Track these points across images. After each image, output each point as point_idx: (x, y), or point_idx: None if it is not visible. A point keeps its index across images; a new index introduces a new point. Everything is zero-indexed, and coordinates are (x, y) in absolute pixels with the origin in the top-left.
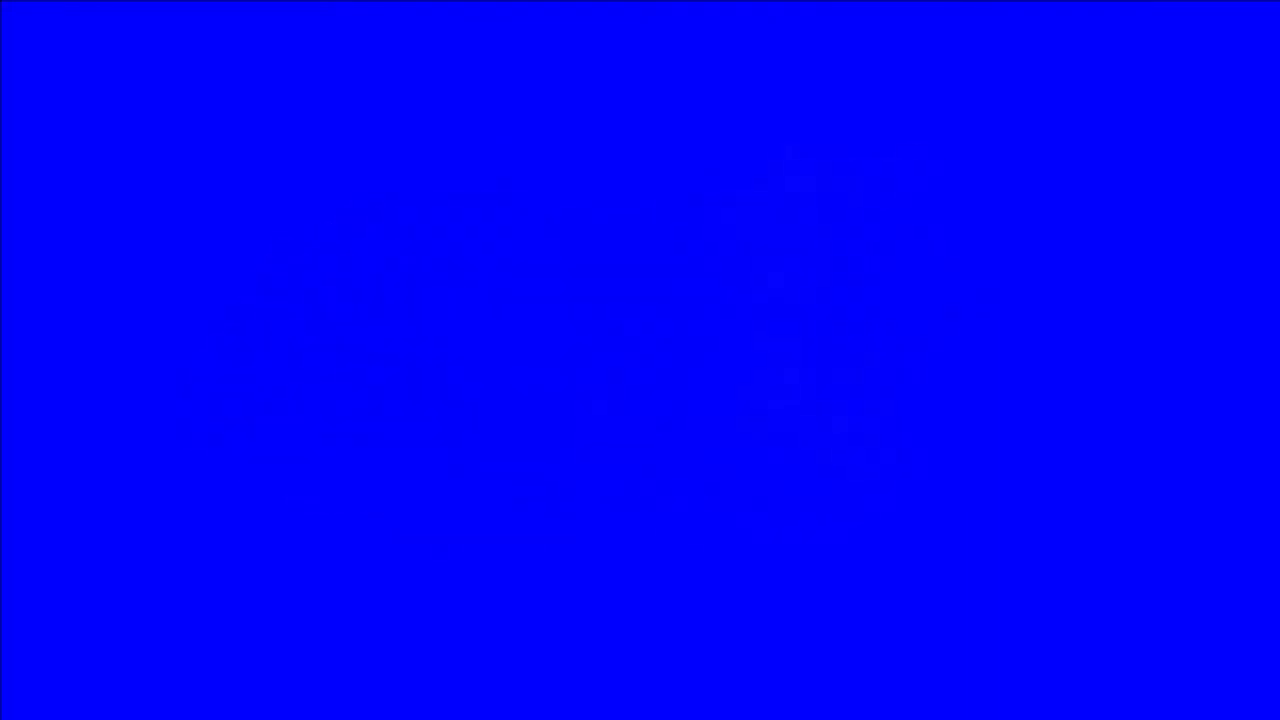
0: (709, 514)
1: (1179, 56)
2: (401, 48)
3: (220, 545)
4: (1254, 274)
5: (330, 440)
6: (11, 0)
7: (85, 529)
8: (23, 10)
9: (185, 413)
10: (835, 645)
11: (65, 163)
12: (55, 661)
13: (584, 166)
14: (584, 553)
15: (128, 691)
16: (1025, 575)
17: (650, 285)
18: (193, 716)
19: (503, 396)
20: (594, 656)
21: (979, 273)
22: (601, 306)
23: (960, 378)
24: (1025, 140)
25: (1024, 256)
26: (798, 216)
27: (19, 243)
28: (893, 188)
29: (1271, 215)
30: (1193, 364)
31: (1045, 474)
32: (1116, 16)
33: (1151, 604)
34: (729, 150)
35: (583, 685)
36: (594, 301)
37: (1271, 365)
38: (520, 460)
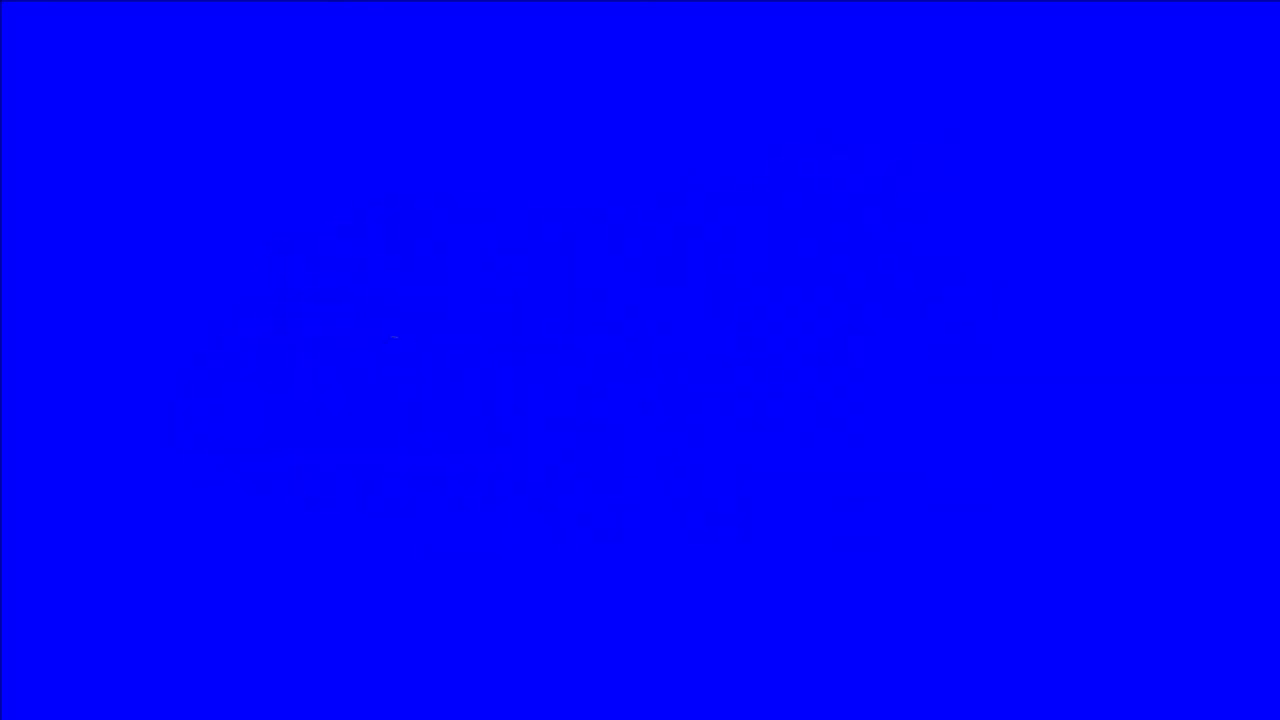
0: (708, 515)
1: (1179, 56)
2: (401, 49)
3: (219, 546)
4: (1254, 274)
5: (329, 441)
6: (12, 0)
7: (85, 529)
8: (23, 10)
9: (184, 413)
10: (834, 646)
11: (65, 163)
12: (55, 661)
13: (585, 168)
14: (585, 552)
15: (128, 691)
16: (1025, 575)
17: (650, 285)
18: (193, 716)
19: (501, 395)
20: (593, 656)
21: (980, 273)
22: (602, 306)
23: (960, 377)
24: (1025, 141)
25: (1024, 257)
26: (798, 217)
27: (19, 243)
28: (893, 188)
29: (1272, 215)
30: (1193, 364)
31: (1045, 474)
32: (1116, 17)
33: (1151, 604)
34: (730, 152)
35: (582, 684)
36: (593, 301)
37: (1272, 365)
38: (518, 458)
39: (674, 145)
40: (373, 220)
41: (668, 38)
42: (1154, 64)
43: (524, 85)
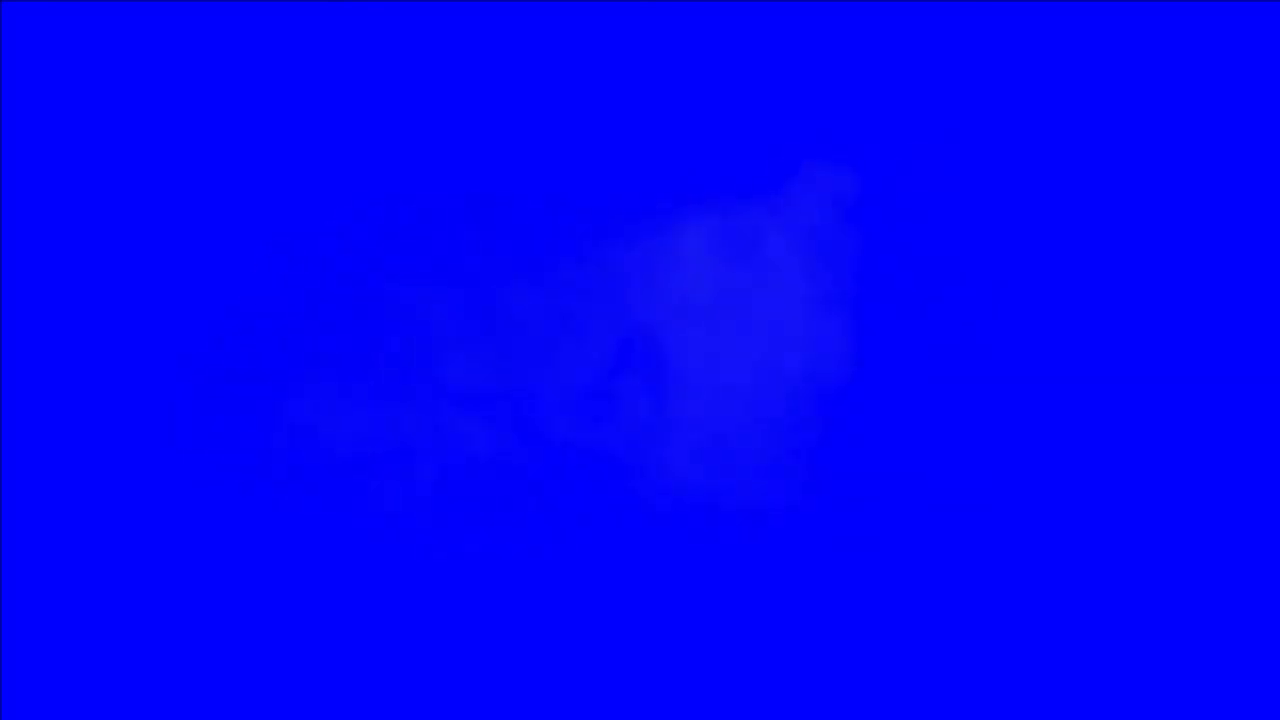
0: (707, 516)
1: (1179, 56)
2: (402, 49)
3: (219, 545)
4: (1254, 274)
5: (328, 440)
6: (12, 0)
7: (85, 529)
8: (23, 10)
9: (183, 413)
10: (834, 647)
11: (65, 163)
12: (55, 661)
13: (584, 168)
14: (583, 554)
15: (128, 692)
16: (1025, 575)
17: (649, 284)
18: (192, 716)
19: (500, 392)
20: (594, 657)
21: (981, 273)
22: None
23: (961, 377)
24: (1026, 141)
25: (1025, 257)
26: (798, 217)
27: (19, 243)
28: (894, 188)
29: (1272, 215)
30: (1193, 364)
31: (1045, 474)
32: (1116, 17)
33: (1151, 604)
34: (733, 152)
35: (582, 686)
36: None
37: (1272, 365)
38: (518, 458)
39: (673, 146)
40: (372, 221)
41: (667, 39)
42: (1154, 64)
43: (524, 87)
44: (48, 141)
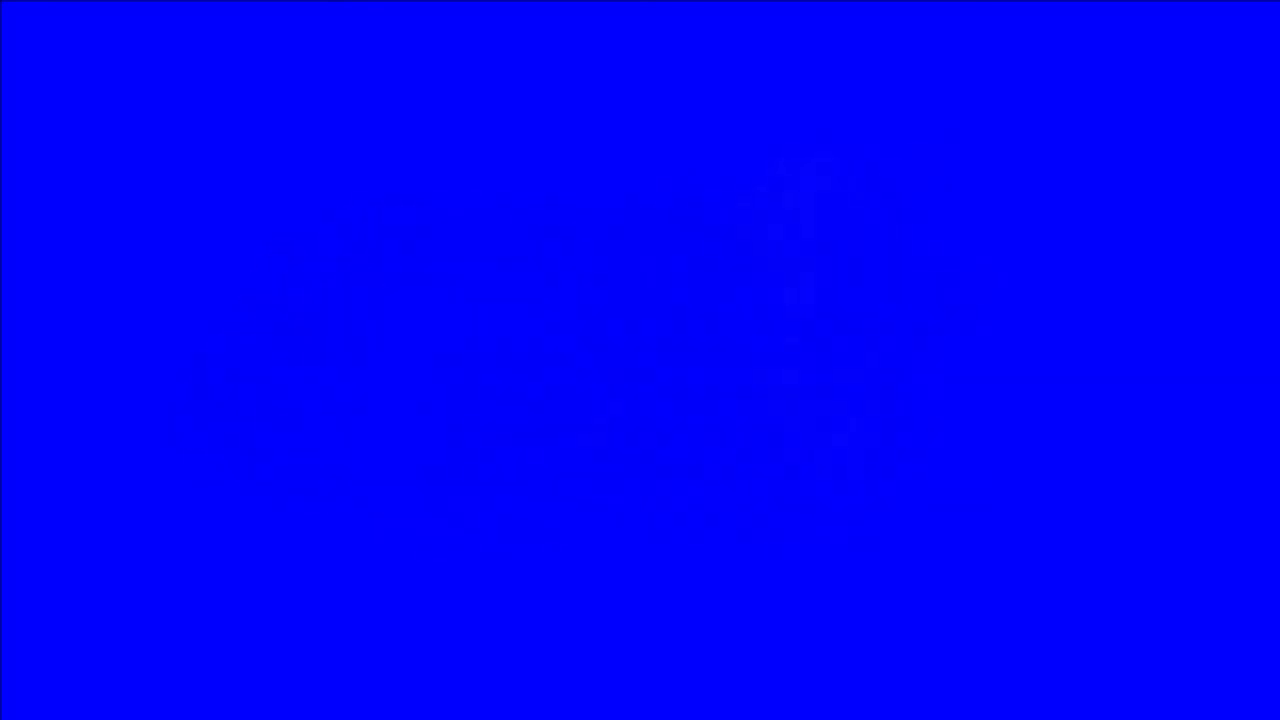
0: (707, 515)
1: (1179, 56)
2: (404, 50)
3: (220, 545)
4: (1254, 274)
5: (328, 441)
6: (12, 0)
7: (85, 529)
8: (23, 10)
9: (183, 413)
10: (834, 646)
11: (65, 163)
12: (55, 661)
13: (587, 169)
14: (583, 554)
15: (128, 691)
16: (1025, 575)
17: (650, 287)
18: (192, 716)
19: (501, 397)
20: (595, 658)
21: (981, 273)
22: (603, 308)
23: (961, 378)
24: (1026, 140)
25: (1024, 257)
26: (800, 219)
27: (19, 243)
28: (896, 189)
29: (1272, 215)
30: (1193, 364)
31: (1045, 474)
32: (1116, 17)
33: (1151, 604)
34: (732, 153)
35: (583, 686)
36: (596, 304)
37: (1272, 365)
38: (519, 459)
39: (673, 147)
40: (372, 221)
41: (667, 39)
42: (1154, 64)
43: (525, 87)
44: (48, 141)
